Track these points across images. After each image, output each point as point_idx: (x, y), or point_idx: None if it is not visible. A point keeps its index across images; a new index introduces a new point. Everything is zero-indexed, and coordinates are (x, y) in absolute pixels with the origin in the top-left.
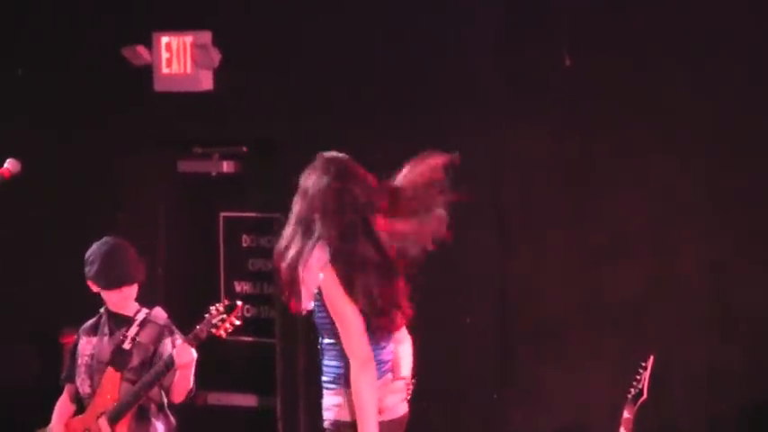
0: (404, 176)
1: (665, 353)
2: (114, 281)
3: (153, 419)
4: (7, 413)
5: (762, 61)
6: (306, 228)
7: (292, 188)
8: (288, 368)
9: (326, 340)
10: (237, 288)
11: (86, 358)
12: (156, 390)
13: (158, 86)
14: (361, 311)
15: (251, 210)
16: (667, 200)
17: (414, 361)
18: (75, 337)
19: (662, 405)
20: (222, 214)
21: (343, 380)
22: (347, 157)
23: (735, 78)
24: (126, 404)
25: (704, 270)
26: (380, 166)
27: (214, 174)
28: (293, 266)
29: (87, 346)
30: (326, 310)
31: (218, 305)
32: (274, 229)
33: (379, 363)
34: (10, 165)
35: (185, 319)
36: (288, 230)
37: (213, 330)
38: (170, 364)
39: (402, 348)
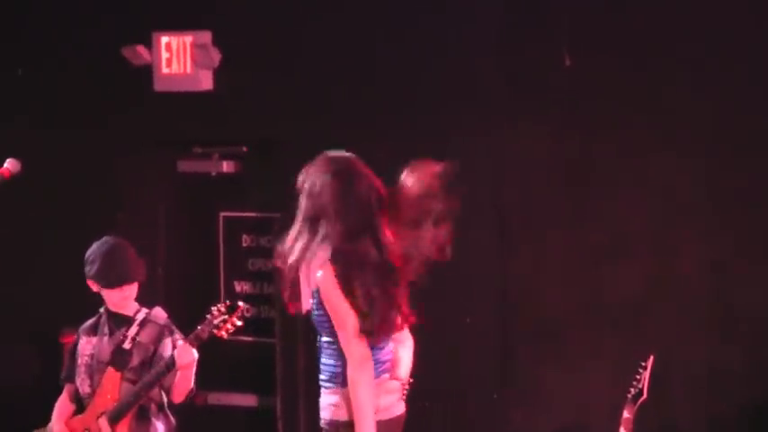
0: (401, 185)
1: (665, 353)
2: (115, 280)
3: (153, 419)
4: (7, 413)
5: (762, 61)
6: (311, 227)
7: (293, 188)
8: (288, 368)
9: (324, 339)
10: (237, 288)
11: (86, 358)
12: (156, 390)
13: (158, 86)
14: (358, 311)
15: (251, 210)
16: (667, 200)
17: (414, 362)
18: (75, 336)
19: (662, 405)
20: (222, 214)
21: (340, 379)
22: (353, 156)
23: (735, 78)
24: (126, 404)
25: (704, 270)
26: (381, 166)
27: (214, 174)
28: (295, 266)
29: (87, 345)
30: (324, 309)
31: (219, 306)
32: (274, 229)
33: (377, 362)
34: (10, 165)
35: (185, 318)
36: (293, 230)
37: (215, 331)
38: (171, 365)
39: (402, 350)
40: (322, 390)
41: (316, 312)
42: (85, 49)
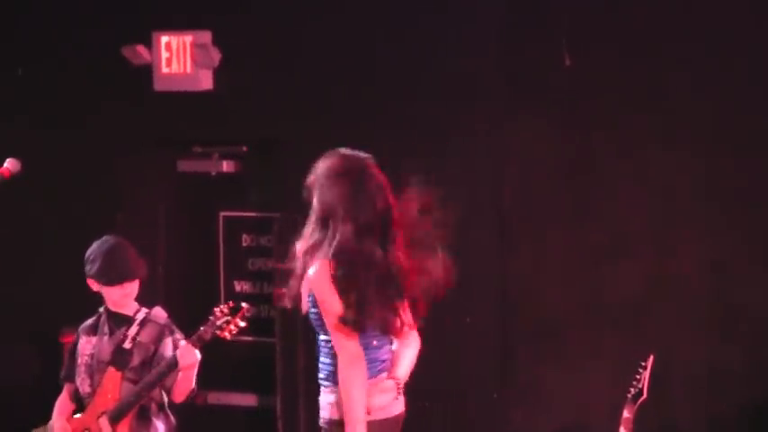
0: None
1: (665, 353)
2: (116, 277)
3: (153, 419)
4: (7, 413)
5: (762, 61)
6: (323, 226)
7: (293, 187)
8: (288, 367)
9: (321, 337)
10: (237, 288)
11: (86, 358)
12: (157, 389)
13: (158, 86)
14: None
15: (251, 209)
16: (667, 199)
17: (415, 363)
18: (75, 336)
19: (662, 405)
20: (222, 214)
21: (335, 377)
22: (367, 155)
23: (735, 78)
24: (127, 404)
25: (704, 270)
26: (381, 166)
27: (214, 173)
28: (304, 267)
29: (87, 345)
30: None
31: (222, 306)
32: (274, 228)
33: (374, 361)
34: (10, 164)
35: (185, 318)
36: (306, 229)
37: (218, 332)
38: (173, 365)
39: (404, 350)
40: (321, 389)
41: (312, 311)
42: (85, 49)
